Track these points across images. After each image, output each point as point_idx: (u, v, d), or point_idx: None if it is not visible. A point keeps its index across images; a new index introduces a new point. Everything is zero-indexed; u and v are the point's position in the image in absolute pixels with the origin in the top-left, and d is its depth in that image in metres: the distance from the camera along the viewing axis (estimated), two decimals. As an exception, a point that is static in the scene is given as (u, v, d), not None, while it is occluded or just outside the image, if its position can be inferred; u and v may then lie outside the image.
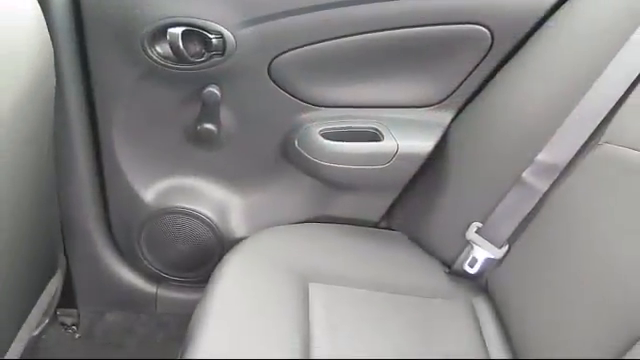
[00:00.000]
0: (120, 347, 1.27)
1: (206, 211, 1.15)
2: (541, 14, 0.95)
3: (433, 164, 1.06)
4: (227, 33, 0.94)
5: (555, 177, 0.87)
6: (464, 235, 0.97)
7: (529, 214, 0.90)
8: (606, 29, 0.88)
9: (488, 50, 0.98)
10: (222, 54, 0.96)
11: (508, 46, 0.98)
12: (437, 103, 1.05)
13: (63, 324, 1.28)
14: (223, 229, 1.16)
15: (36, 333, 1.16)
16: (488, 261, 0.95)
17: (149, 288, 1.25)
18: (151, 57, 0.96)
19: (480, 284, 0.99)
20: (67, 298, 1.22)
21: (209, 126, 1.05)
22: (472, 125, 1.03)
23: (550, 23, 0.95)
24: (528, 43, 0.97)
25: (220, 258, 1.00)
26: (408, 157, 1.04)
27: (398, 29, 0.97)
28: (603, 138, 0.82)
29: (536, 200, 0.89)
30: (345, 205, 1.13)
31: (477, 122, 1.02)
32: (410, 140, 1.03)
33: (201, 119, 1.04)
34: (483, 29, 0.96)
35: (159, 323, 1.29)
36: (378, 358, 0.85)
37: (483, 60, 1.00)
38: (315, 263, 0.99)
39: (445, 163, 1.05)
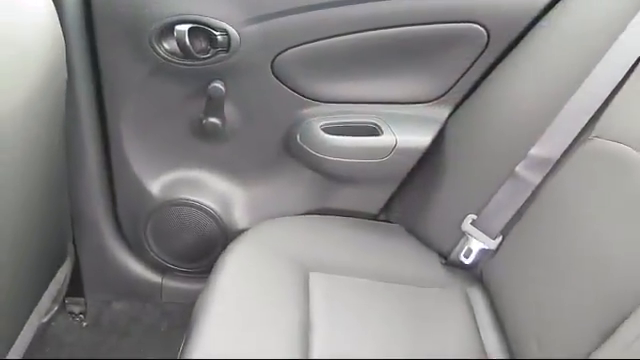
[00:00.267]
0: (126, 335, 1.29)
1: (210, 203, 1.18)
2: (535, 13, 0.98)
3: (430, 158, 1.09)
4: (232, 30, 0.97)
5: (547, 171, 0.90)
6: (460, 227, 1.00)
7: (522, 206, 0.93)
8: (597, 29, 0.91)
9: (484, 48, 1.01)
10: (227, 51, 0.98)
11: (503, 44, 1.01)
12: (434, 99, 1.08)
13: (71, 312, 1.31)
14: (227, 221, 1.18)
15: (45, 320, 1.19)
16: (482, 252, 0.98)
17: (155, 278, 1.27)
18: (159, 53, 0.99)
19: (475, 274, 1.02)
20: (75, 287, 1.25)
21: (214, 120, 1.07)
22: (468, 121, 1.06)
23: (543, 23, 0.98)
24: (522, 42, 1.00)
25: (223, 249, 1.02)
26: (406, 151, 1.06)
27: (397, 27, 0.99)
28: (593, 133, 0.85)
29: (529, 193, 0.92)
30: (345, 198, 1.15)
31: (473, 118, 1.05)
32: (408, 135, 1.06)
33: (206, 113, 1.07)
34: (479, 28, 0.99)
35: (164, 312, 1.32)
36: (376, 347, 0.87)
37: (479, 58, 1.02)
38: (315, 253, 1.02)
39: (442, 157, 1.08)
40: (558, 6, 0.97)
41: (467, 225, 0.99)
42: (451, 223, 1.02)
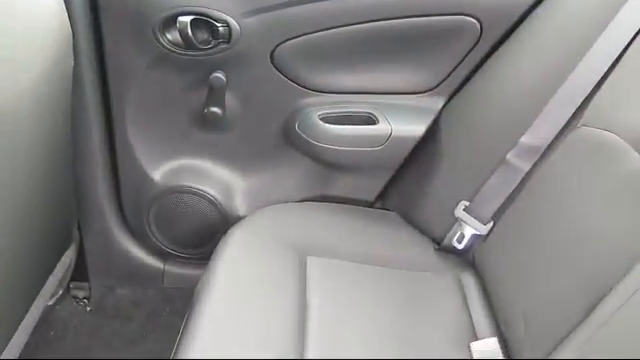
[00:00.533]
0: (128, 319, 1.31)
1: (211, 190, 1.20)
2: (526, 7, 1.01)
3: (425, 147, 1.11)
4: (233, 22, 0.99)
5: (537, 158, 0.93)
6: (453, 213, 1.03)
7: (512, 192, 0.96)
8: (585, 21, 0.94)
9: (477, 40, 1.04)
10: (228, 42, 1.01)
11: (496, 36, 1.03)
12: (429, 90, 1.10)
13: (75, 297, 1.33)
14: (227, 207, 1.20)
15: (51, 303, 1.22)
16: (475, 237, 1.01)
17: (157, 264, 1.30)
18: (162, 44, 1.01)
19: (467, 259, 1.04)
20: (80, 272, 1.27)
21: (215, 109, 1.09)
22: (461, 111, 1.09)
23: (539, 10, 1.00)
24: (514, 34, 1.02)
25: (224, 235, 1.03)
26: (401, 140, 1.09)
27: (393, 20, 1.02)
28: (581, 121, 0.88)
29: (519, 179, 0.95)
30: (342, 185, 1.18)
31: (466, 108, 1.08)
32: (403, 124, 1.09)
33: (208, 103, 1.09)
34: (472, 20, 1.02)
35: (166, 297, 1.34)
36: (369, 326, 0.90)
37: (472, 50, 1.05)
38: (313, 238, 1.04)
39: (436, 146, 1.11)
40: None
41: (460, 211, 1.02)
42: (444, 210, 1.05)
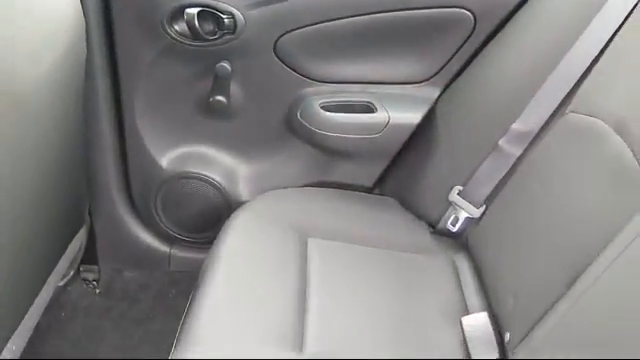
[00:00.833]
0: (136, 301, 1.35)
1: (216, 176, 1.24)
2: (517, 0, 1.05)
3: (421, 135, 1.16)
4: (238, 14, 1.04)
5: (527, 144, 0.97)
6: (447, 198, 1.06)
7: (504, 177, 1.00)
8: (574, 12, 0.98)
9: (471, 32, 1.08)
10: (233, 33, 1.05)
11: (489, 28, 1.08)
12: (425, 80, 1.15)
13: (85, 280, 1.36)
14: (231, 192, 1.24)
15: (62, 283, 1.27)
16: (468, 220, 1.05)
17: (163, 247, 1.33)
18: (170, 34, 1.06)
19: (461, 242, 1.08)
20: (89, 255, 1.31)
21: (220, 98, 1.13)
22: (456, 100, 1.13)
23: (530, 3, 1.04)
24: (507, 26, 1.07)
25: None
26: (398, 127, 1.14)
27: (390, 12, 1.07)
28: (569, 108, 0.92)
29: (510, 164, 0.99)
30: (342, 172, 1.22)
31: (461, 97, 1.12)
32: (400, 112, 1.13)
33: (213, 91, 1.13)
34: (466, 12, 1.06)
35: (172, 280, 1.37)
36: (366, 302, 0.94)
37: (466, 41, 1.09)
38: (313, 221, 1.08)
39: (431, 134, 1.15)
40: (539, -9, 1.04)
41: (454, 196, 1.06)
42: (439, 194, 1.09)
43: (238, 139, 1.23)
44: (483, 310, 0.94)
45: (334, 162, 1.22)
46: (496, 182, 1.01)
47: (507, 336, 0.84)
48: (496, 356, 0.84)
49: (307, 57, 1.12)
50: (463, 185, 1.05)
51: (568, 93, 0.93)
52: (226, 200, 1.25)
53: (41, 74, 0.84)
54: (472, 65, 1.11)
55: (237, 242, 1.00)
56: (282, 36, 1.09)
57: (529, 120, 0.97)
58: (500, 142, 1.00)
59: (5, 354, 0.92)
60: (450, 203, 1.07)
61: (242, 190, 1.25)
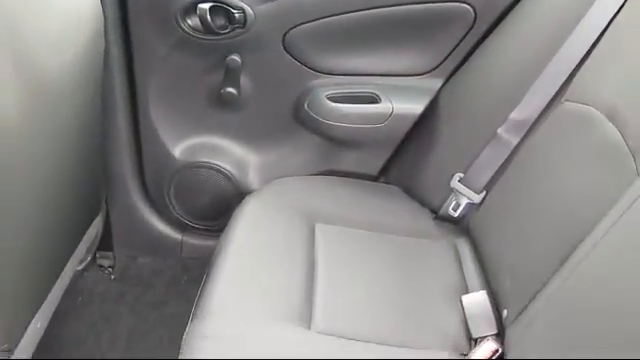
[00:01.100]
0: (149, 287, 1.39)
1: (227, 165, 1.28)
2: (518, -7, 1.09)
3: (423, 125, 1.20)
4: (248, 9, 1.08)
5: (524, 132, 1.01)
6: (449, 185, 1.11)
7: (503, 164, 1.04)
8: (569, 5, 1.02)
9: (472, 25, 1.12)
10: (243, 27, 1.09)
11: (489, 21, 1.12)
12: (427, 72, 1.19)
13: (101, 266, 1.40)
14: (241, 181, 1.28)
15: (80, 268, 1.30)
16: (469, 206, 1.09)
17: (176, 235, 1.37)
18: (183, 29, 1.10)
19: (462, 227, 1.12)
20: (105, 242, 1.35)
21: (231, 90, 1.17)
22: (457, 91, 1.17)
23: None
24: (506, 19, 1.11)
25: None
26: (402, 117, 1.18)
27: (394, 6, 1.11)
28: (564, 97, 0.96)
29: (509, 152, 1.03)
30: (347, 161, 1.26)
31: (461, 88, 1.17)
32: (403, 103, 1.18)
33: (224, 83, 1.17)
34: (467, 7, 1.10)
35: (184, 266, 1.41)
36: (370, 281, 0.98)
37: (467, 34, 1.13)
38: (320, 208, 1.11)
39: (434, 124, 1.19)
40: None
41: (455, 182, 1.10)
42: (441, 181, 1.12)
43: (248, 129, 1.27)
44: (482, 289, 0.98)
45: (340, 151, 1.25)
46: (495, 169, 1.05)
47: (505, 312, 0.89)
48: (494, 331, 0.88)
49: (314, 50, 1.16)
50: (464, 172, 1.09)
51: (563, 83, 0.97)
52: (236, 188, 1.29)
53: (64, 64, 0.87)
54: (472, 57, 1.16)
55: (246, 229, 1.04)
56: (290, 30, 1.13)
57: (526, 109, 1.01)
58: (499, 131, 1.04)
59: (29, 332, 0.96)
60: (452, 190, 1.11)
61: (252, 179, 1.29)
